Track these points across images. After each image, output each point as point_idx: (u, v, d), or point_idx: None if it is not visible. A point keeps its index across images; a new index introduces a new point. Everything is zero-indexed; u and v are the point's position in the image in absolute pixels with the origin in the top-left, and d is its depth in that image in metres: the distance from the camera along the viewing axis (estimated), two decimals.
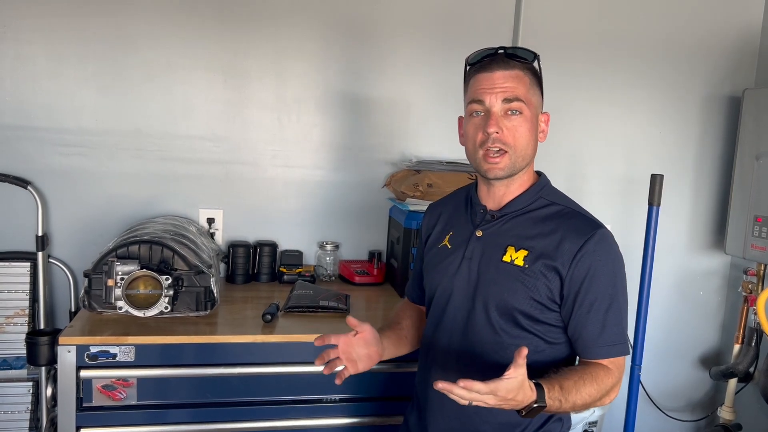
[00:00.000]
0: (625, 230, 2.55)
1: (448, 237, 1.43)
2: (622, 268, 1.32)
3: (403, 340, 1.51)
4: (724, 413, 2.65)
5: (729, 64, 2.72)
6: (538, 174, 1.41)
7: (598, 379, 1.25)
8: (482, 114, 1.29)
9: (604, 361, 1.28)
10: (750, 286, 2.56)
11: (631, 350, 1.35)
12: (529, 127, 1.30)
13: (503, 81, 1.28)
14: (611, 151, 2.68)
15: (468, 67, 1.35)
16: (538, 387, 1.14)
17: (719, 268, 2.84)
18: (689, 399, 2.89)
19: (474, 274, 1.34)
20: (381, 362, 1.74)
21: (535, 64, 1.33)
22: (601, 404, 1.30)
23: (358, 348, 1.35)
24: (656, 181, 2.11)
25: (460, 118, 1.41)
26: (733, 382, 2.63)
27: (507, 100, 1.27)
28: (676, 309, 2.82)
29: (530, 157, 1.34)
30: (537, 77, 1.34)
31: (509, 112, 1.28)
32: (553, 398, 1.17)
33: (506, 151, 1.28)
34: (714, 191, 2.79)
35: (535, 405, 1.12)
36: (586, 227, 1.29)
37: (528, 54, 1.31)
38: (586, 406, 1.25)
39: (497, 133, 1.27)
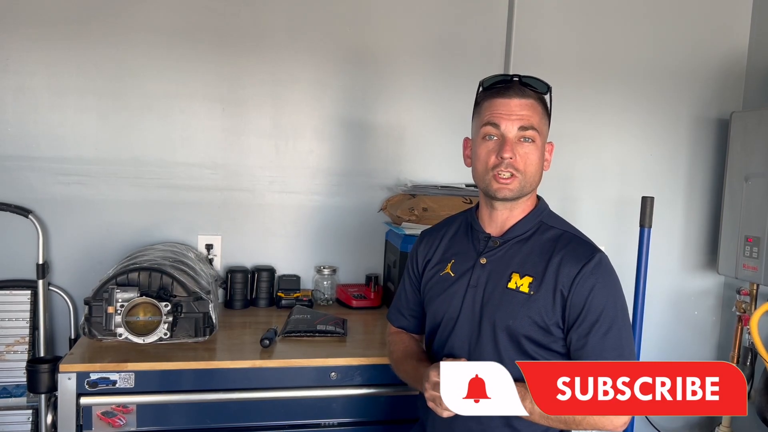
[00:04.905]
0: (618, 251, 2.55)
1: (450, 265, 1.44)
2: (620, 292, 1.34)
3: None
4: None
5: (716, 88, 2.78)
6: (538, 198, 1.44)
7: None
8: (496, 138, 1.33)
9: None
10: (743, 305, 2.58)
11: None
12: (539, 155, 1.34)
13: (519, 109, 1.32)
14: (603, 173, 2.72)
15: (481, 90, 1.38)
16: None
17: (713, 288, 2.86)
18: (687, 419, 2.89)
19: (479, 301, 1.36)
20: (382, 386, 1.79)
21: (547, 97, 1.37)
22: (598, 426, 1.29)
23: None
24: (647, 204, 2.15)
25: (466, 140, 1.44)
26: None
27: (522, 128, 1.31)
28: (672, 329, 2.84)
29: (536, 184, 1.38)
30: (547, 109, 1.38)
31: (522, 139, 1.32)
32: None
33: (516, 176, 1.32)
34: (705, 212, 2.83)
35: None
36: (584, 251, 1.32)
37: (542, 85, 1.36)
38: (566, 424, 1.27)
39: (511, 158, 1.31)
